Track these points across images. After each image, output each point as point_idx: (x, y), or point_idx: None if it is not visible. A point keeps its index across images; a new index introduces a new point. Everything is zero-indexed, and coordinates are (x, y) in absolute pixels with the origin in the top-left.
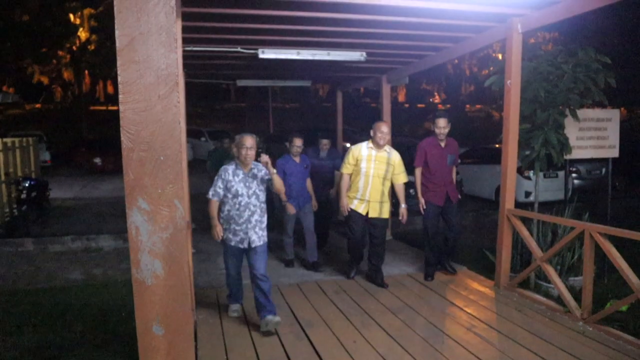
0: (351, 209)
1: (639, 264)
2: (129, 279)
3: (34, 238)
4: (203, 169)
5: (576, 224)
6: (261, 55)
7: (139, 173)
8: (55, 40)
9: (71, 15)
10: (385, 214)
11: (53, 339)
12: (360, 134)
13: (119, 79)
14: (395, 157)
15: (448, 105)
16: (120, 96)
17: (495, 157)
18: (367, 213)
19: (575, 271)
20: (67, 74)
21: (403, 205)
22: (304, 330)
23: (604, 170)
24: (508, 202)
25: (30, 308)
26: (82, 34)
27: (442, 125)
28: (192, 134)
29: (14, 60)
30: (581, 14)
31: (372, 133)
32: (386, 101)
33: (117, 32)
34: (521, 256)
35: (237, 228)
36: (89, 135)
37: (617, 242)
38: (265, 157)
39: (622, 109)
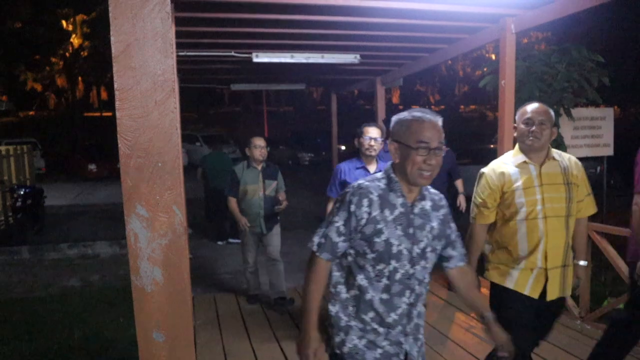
0: (506, 290)
1: None
2: (126, 285)
3: (29, 246)
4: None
5: None
6: (255, 59)
7: (136, 180)
8: (48, 47)
9: (64, 22)
10: (569, 288)
11: (50, 347)
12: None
13: (115, 85)
14: (575, 165)
15: (442, 106)
16: (117, 103)
17: (490, 158)
18: (541, 292)
19: None
20: (60, 81)
21: (582, 263)
22: None
23: (598, 168)
24: None
25: (27, 316)
26: (75, 40)
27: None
28: (187, 139)
29: (7, 68)
30: (574, 14)
31: (515, 126)
32: (380, 103)
33: (112, 39)
34: None
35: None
36: (83, 141)
37: (613, 239)
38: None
39: (616, 107)
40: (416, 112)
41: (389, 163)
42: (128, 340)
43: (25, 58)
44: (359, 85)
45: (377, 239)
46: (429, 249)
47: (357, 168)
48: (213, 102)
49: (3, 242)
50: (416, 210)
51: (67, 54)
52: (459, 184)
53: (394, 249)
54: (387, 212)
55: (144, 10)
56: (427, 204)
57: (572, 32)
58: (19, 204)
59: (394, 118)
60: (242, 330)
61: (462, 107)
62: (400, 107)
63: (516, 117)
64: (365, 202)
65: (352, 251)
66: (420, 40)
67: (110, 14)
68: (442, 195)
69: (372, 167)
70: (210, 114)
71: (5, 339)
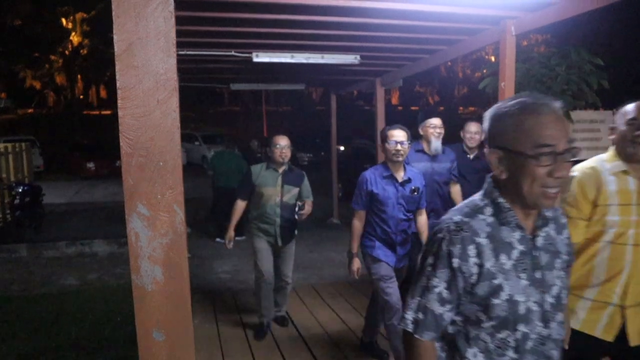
0: (579, 334)
1: None
2: (124, 284)
3: (27, 244)
4: (197, 173)
5: None
6: (255, 59)
7: (138, 179)
8: (47, 45)
9: (63, 20)
10: None
11: (48, 345)
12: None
13: (118, 84)
14: None
15: (441, 108)
16: (119, 101)
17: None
18: (621, 336)
19: None
20: (59, 79)
21: None
22: (299, 334)
23: None
24: None
25: (25, 314)
26: (75, 38)
27: (473, 131)
28: (186, 138)
29: (6, 65)
30: (575, 16)
31: (620, 121)
32: (380, 104)
33: (115, 37)
34: None
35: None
36: (82, 140)
37: None
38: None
39: (615, 110)
40: (526, 99)
41: (489, 178)
42: (126, 338)
43: (25, 56)
44: (359, 86)
45: (495, 300)
46: (564, 293)
47: (384, 177)
48: (212, 102)
49: (1, 240)
50: (539, 242)
51: (67, 52)
52: None
53: (521, 308)
54: (503, 258)
55: (147, 9)
56: (551, 228)
57: (572, 34)
58: (17, 201)
59: (491, 113)
60: (240, 329)
61: (461, 108)
62: (400, 107)
63: (616, 118)
64: (471, 250)
65: (458, 318)
66: (420, 42)
67: (113, 13)
68: (558, 207)
69: (399, 175)
70: (210, 113)
71: (3, 337)
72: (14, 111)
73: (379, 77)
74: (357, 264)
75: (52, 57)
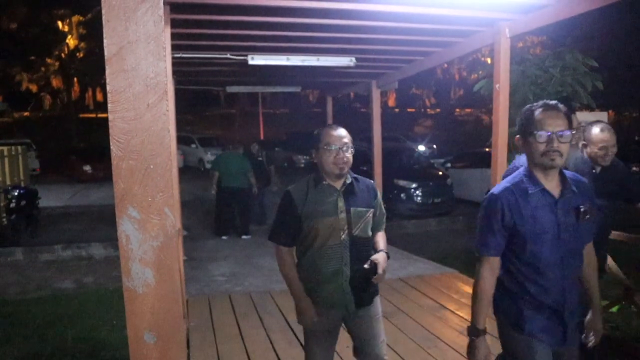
0: None
1: (630, 264)
2: (119, 287)
3: (23, 247)
4: (194, 175)
5: None
6: (251, 62)
7: (128, 182)
8: (43, 48)
9: (59, 23)
10: None
11: (44, 349)
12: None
13: (108, 88)
14: None
15: (437, 110)
16: (110, 105)
17: (484, 161)
18: None
19: None
20: (56, 82)
21: None
22: (296, 336)
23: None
24: None
25: (21, 318)
26: (71, 41)
27: (606, 139)
28: (182, 140)
29: (2, 68)
30: (569, 18)
31: None
32: (376, 106)
33: (105, 41)
34: None
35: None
36: (78, 143)
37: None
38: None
39: (610, 111)
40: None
41: None
42: (121, 341)
43: (21, 58)
44: (355, 88)
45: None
46: None
47: (531, 194)
48: (209, 104)
49: None
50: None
51: (63, 55)
52: None
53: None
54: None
55: (137, 13)
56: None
57: (567, 36)
58: (12, 205)
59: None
60: (236, 332)
61: (457, 110)
62: (396, 109)
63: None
64: None
65: None
66: (415, 44)
67: (103, 17)
68: None
69: (552, 185)
70: (206, 115)
71: None
72: (10, 114)
73: (374, 80)
74: (485, 349)
75: (48, 60)
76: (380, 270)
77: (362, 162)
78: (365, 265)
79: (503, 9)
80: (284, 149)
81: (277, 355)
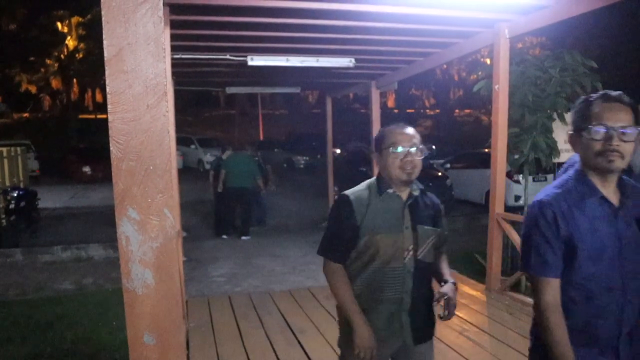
0: None
1: None
2: (119, 288)
3: (23, 248)
4: (193, 176)
5: None
6: (250, 63)
7: (128, 183)
8: (43, 49)
9: (59, 24)
10: None
11: (43, 350)
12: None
13: (107, 89)
14: None
15: (437, 110)
16: (109, 106)
17: (484, 162)
18: None
19: None
20: (55, 83)
21: None
22: (296, 337)
23: None
24: (498, 206)
25: (20, 319)
26: (70, 42)
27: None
28: (182, 141)
29: (1, 69)
30: (568, 19)
31: None
32: (375, 107)
33: (105, 43)
34: (512, 259)
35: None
36: (78, 143)
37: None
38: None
39: None
40: None
41: None
42: (121, 343)
43: (20, 60)
44: (354, 89)
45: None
46: None
47: (587, 200)
48: (209, 105)
49: None
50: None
51: (62, 56)
52: None
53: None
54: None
55: (137, 14)
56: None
57: (566, 37)
58: (12, 206)
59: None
60: (236, 333)
61: (457, 111)
62: (396, 110)
63: None
64: None
65: None
66: (415, 45)
67: (103, 18)
68: None
69: (610, 191)
70: (206, 116)
71: None
72: (10, 115)
73: (374, 80)
74: None
75: (48, 61)
76: (452, 310)
77: (361, 163)
78: (435, 302)
79: (502, 10)
80: (283, 149)
81: (276, 356)
